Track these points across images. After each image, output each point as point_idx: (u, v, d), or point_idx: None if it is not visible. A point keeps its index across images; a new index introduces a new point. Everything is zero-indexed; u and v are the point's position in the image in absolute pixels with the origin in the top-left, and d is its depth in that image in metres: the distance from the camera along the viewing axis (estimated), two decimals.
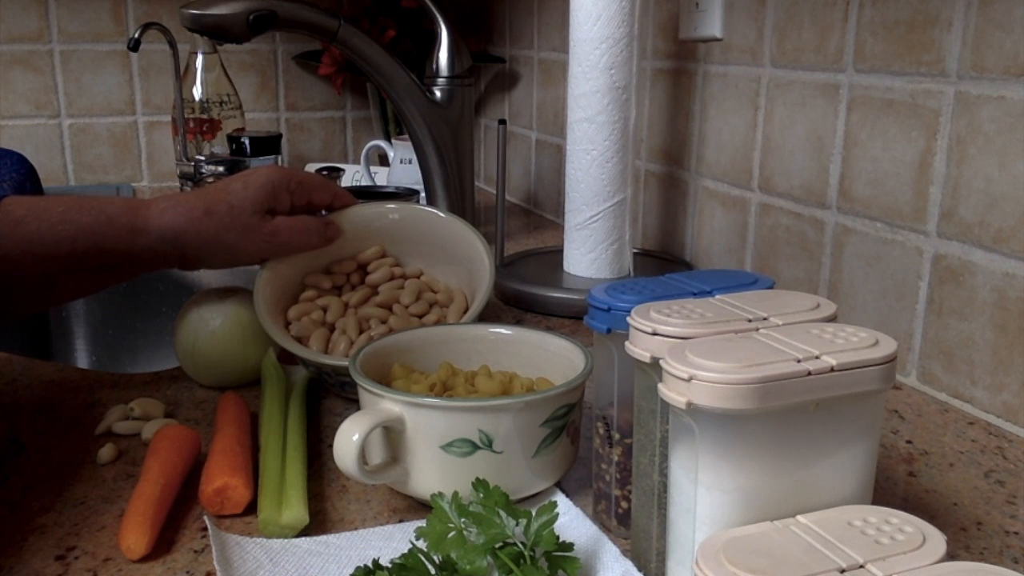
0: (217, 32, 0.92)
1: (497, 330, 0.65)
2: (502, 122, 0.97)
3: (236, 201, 0.67)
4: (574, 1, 0.91)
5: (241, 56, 1.61)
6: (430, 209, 0.82)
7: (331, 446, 0.53)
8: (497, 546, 0.46)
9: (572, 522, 0.52)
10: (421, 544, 0.47)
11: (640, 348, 0.44)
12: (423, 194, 1.15)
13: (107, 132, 1.58)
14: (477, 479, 0.49)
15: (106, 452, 0.62)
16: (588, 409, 0.64)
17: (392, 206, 0.80)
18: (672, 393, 0.39)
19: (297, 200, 0.72)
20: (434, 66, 1.12)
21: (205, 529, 0.53)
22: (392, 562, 0.45)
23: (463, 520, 0.47)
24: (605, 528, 0.53)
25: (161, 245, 0.65)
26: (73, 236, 0.61)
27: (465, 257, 0.78)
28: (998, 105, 0.65)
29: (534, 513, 0.47)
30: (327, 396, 0.72)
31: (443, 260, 0.79)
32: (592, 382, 0.54)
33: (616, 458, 0.52)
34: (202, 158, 1.30)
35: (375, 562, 0.45)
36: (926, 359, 0.73)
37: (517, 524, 0.47)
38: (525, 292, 0.94)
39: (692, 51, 1.01)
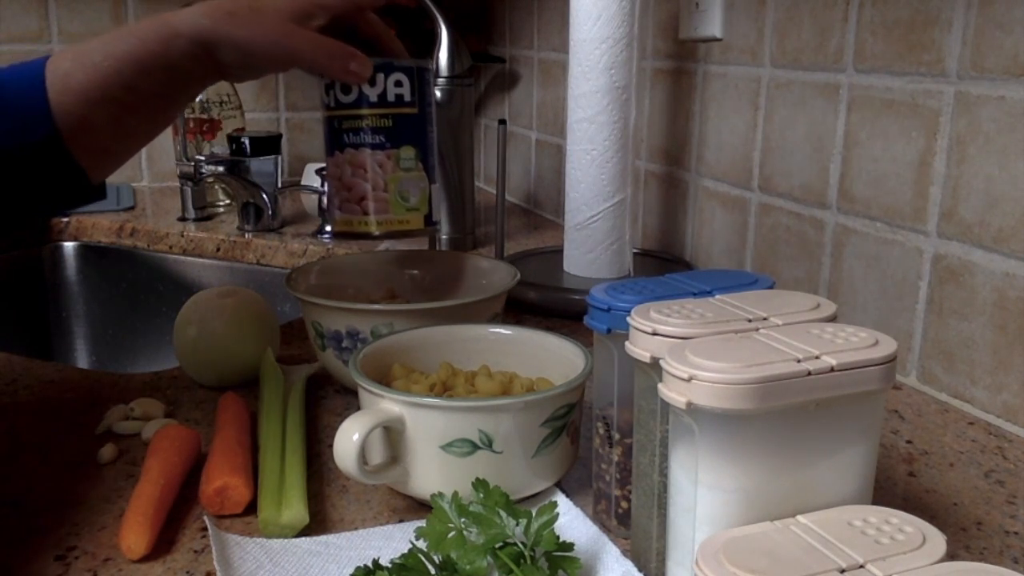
0: None
1: (497, 330, 0.65)
2: (502, 122, 0.97)
3: (258, 5, 0.66)
4: (574, 1, 0.91)
5: None
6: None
7: (331, 446, 0.53)
8: (497, 546, 0.46)
9: (572, 522, 0.52)
10: (421, 544, 0.47)
11: (640, 348, 0.44)
12: None
13: None
14: (477, 479, 0.49)
15: (106, 452, 0.62)
16: (588, 409, 0.64)
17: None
18: (672, 393, 0.39)
19: (340, 7, 0.68)
20: (434, 66, 1.12)
21: (205, 529, 0.53)
22: (392, 562, 0.45)
23: (463, 520, 0.47)
24: (605, 528, 0.53)
25: (194, 48, 0.64)
26: (117, 69, 0.62)
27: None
28: (998, 105, 0.65)
29: (534, 513, 0.47)
30: (327, 396, 0.72)
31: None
32: (592, 382, 0.54)
33: (616, 458, 0.52)
34: (202, 158, 1.30)
35: (375, 562, 0.45)
36: (926, 359, 0.73)
37: (517, 524, 0.47)
38: (525, 292, 0.94)
39: (692, 51, 1.01)
